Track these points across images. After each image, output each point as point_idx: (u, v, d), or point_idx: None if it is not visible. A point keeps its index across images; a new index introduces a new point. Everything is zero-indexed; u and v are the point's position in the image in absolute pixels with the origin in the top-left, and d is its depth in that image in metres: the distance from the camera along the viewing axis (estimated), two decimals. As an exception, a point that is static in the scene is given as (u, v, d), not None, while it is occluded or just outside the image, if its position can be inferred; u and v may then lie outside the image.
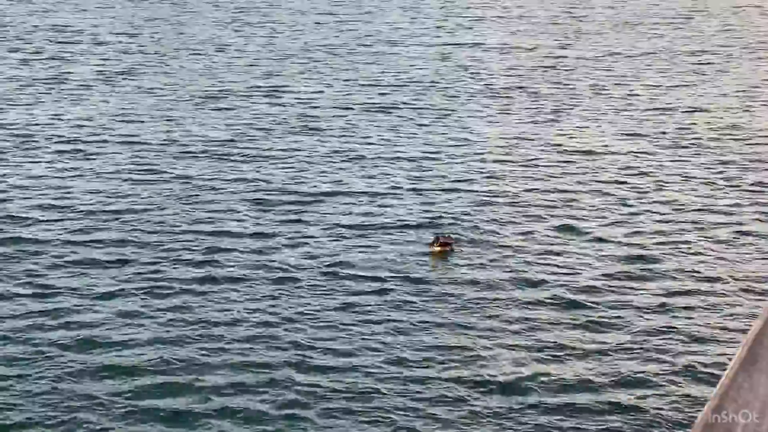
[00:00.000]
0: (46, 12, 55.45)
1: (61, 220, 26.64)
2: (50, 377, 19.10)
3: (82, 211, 27.16)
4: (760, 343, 6.70)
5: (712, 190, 29.76)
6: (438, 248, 25.00)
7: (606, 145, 33.82)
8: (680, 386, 19.29)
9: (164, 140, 33.46)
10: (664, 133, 35.29)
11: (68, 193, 28.58)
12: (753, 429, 6.00)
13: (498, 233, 26.23)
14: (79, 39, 48.74)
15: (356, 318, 21.54)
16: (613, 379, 19.52)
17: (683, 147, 33.74)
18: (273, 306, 21.99)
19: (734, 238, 26.25)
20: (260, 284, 23.01)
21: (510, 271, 23.92)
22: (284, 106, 37.86)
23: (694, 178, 30.78)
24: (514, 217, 27.37)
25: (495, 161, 32.00)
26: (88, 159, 31.52)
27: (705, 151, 33.27)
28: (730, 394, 6.08)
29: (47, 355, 19.83)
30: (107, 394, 18.60)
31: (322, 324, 21.26)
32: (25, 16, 54.12)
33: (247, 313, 21.66)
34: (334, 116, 36.56)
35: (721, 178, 30.75)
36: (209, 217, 26.84)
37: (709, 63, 46.22)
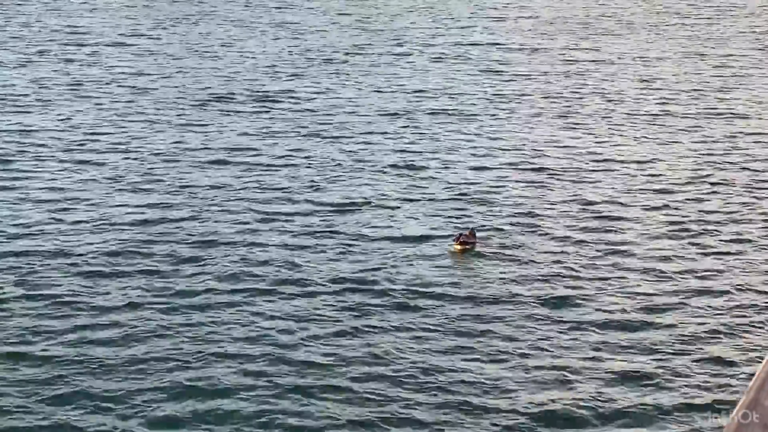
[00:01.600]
0: (60, 14, 55.33)
1: (75, 225, 26.24)
2: (62, 387, 18.75)
3: (95, 219, 26.56)
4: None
5: (750, 197, 28.94)
6: (459, 247, 24.41)
7: (636, 151, 33.08)
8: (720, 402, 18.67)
9: (179, 145, 32.92)
10: (696, 139, 34.52)
11: (81, 198, 28.14)
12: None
13: (521, 241, 25.38)
14: (93, 42, 48.45)
15: (375, 326, 20.95)
16: (642, 398, 18.82)
17: (718, 153, 32.92)
18: (294, 315, 21.41)
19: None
20: (278, 293, 22.39)
21: (531, 281, 23.06)
22: (305, 111, 37.32)
23: (732, 184, 29.96)
24: (538, 225, 26.49)
25: (520, 168, 31.23)
26: (100, 165, 30.92)
27: (741, 157, 32.45)
28: (766, 387, 5.52)
29: (59, 362, 19.41)
30: (124, 403, 18.25)
31: (340, 332, 20.70)
32: (39, 18, 54.02)
33: (265, 322, 21.11)
34: (356, 122, 35.89)
35: (760, 185, 29.93)
36: (226, 226, 26.17)
37: (739, 66, 45.54)
